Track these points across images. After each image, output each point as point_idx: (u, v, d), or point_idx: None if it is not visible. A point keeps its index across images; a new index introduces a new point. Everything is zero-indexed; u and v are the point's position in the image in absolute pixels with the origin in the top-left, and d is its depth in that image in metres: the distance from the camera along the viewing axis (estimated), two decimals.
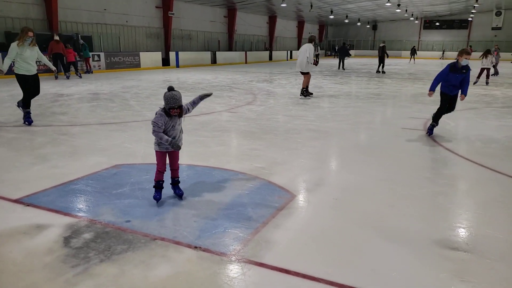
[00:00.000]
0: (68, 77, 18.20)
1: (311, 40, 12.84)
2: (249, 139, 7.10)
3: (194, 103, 4.23)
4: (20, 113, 8.45)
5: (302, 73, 12.96)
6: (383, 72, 24.00)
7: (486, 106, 11.23)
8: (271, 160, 5.80)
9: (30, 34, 7.58)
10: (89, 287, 2.70)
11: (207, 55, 32.11)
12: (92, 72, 21.28)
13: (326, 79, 19.76)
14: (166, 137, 3.91)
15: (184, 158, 5.10)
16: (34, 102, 10.93)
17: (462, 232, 3.66)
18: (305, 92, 13.03)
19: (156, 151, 4.09)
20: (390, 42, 53.24)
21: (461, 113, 10.07)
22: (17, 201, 4.15)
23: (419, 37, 56.29)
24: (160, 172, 4.10)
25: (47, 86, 14.15)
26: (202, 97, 4.29)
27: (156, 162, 4.11)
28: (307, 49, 12.55)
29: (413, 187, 4.79)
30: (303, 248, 3.31)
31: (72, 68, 18.88)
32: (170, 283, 2.78)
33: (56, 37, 17.88)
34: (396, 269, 2.99)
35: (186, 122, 5.64)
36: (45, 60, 8.34)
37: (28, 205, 4.04)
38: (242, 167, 5.42)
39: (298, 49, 48.14)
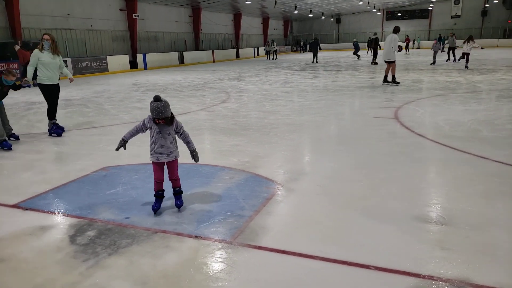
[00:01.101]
0: (35, 85, 17.89)
1: (395, 31, 14.04)
2: (229, 135, 7.31)
3: (187, 142, 4.12)
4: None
5: (388, 62, 13.86)
6: (376, 63, 24.48)
7: (451, 93, 11.76)
8: (253, 154, 6.04)
9: (45, 37, 7.41)
10: (103, 278, 2.89)
11: (175, 55, 32.05)
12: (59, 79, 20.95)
13: (295, 74, 20.11)
14: (126, 133, 3.94)
15: None
16: (7, 111, 10.85)
17: (438, 208, 3.99)
18: (394, 80, 13.91)
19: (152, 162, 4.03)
20: (354, 34, 54.28)
21: (428, 100, 10.55)
22: (15, 206, 4.26)
23: (382, 28, 57.49)
24: (157, 182, 4.02)
25: (17, 95, 13.95)
26: (191, 151, 4.17)
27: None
28: (392, 39, 13.66)
29: (389, 171, 5.12)
30: (295, 231, 3.57)
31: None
32: (178, 269, 2.99)
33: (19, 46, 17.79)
34: (382, 243, 3.28)
35: None
36: (65, 70, 8.20)
37: (27, 209, 4.15)
38: (227, 162, 5.64)
39: (264, 46, 48.28)
